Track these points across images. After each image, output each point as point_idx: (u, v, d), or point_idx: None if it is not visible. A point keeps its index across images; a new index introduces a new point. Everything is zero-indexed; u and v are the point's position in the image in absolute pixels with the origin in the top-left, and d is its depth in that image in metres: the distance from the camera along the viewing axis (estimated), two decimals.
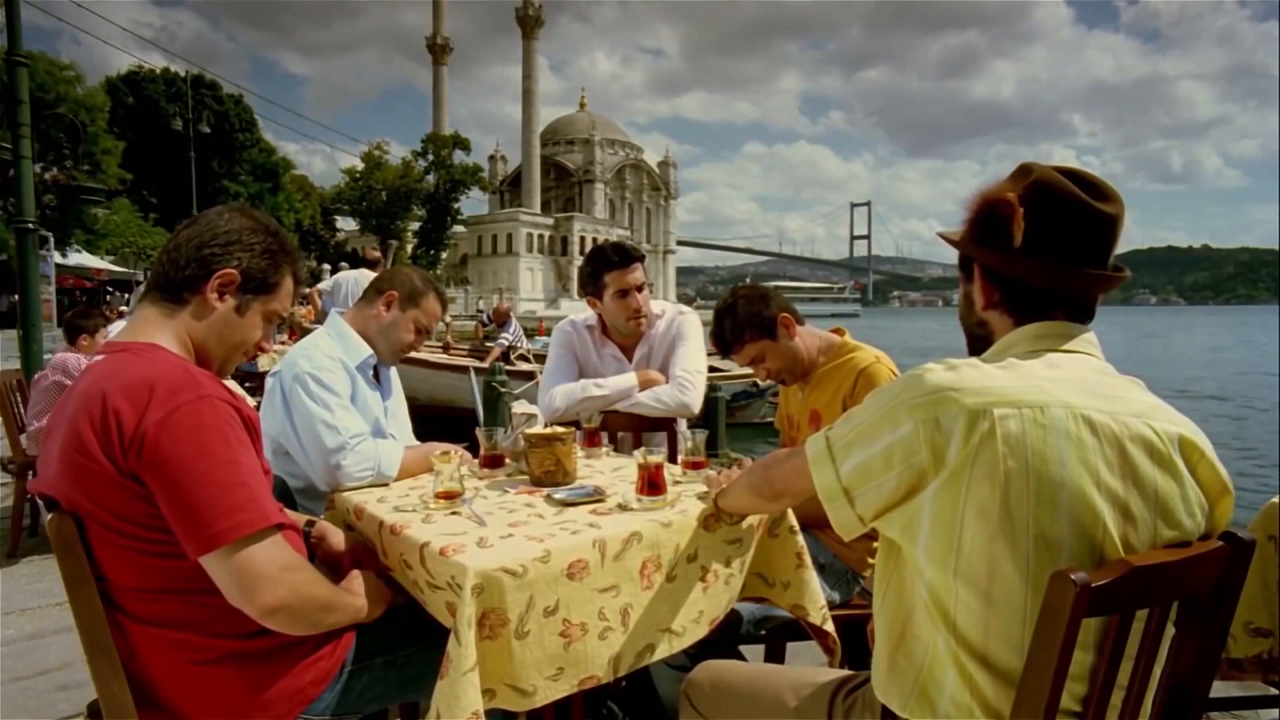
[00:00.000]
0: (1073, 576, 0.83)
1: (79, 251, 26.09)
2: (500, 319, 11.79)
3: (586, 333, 2.74)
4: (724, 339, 2.15)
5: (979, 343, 1.15)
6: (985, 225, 1.05)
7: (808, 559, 1.71)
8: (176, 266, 1.31)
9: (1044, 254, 1.02)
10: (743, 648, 1.99)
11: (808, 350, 2.14)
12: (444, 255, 60.58)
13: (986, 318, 1.12)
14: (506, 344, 10.97)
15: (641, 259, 2.64)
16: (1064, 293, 1.05)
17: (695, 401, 2.57)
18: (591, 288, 2.65)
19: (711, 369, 11.23)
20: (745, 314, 2.10)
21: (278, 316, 1.42)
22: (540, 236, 75.39)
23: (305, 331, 7.69)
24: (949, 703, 0.98)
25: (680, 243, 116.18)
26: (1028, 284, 1.05)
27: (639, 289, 2.60)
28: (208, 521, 1.13)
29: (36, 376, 4.15)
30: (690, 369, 2.61)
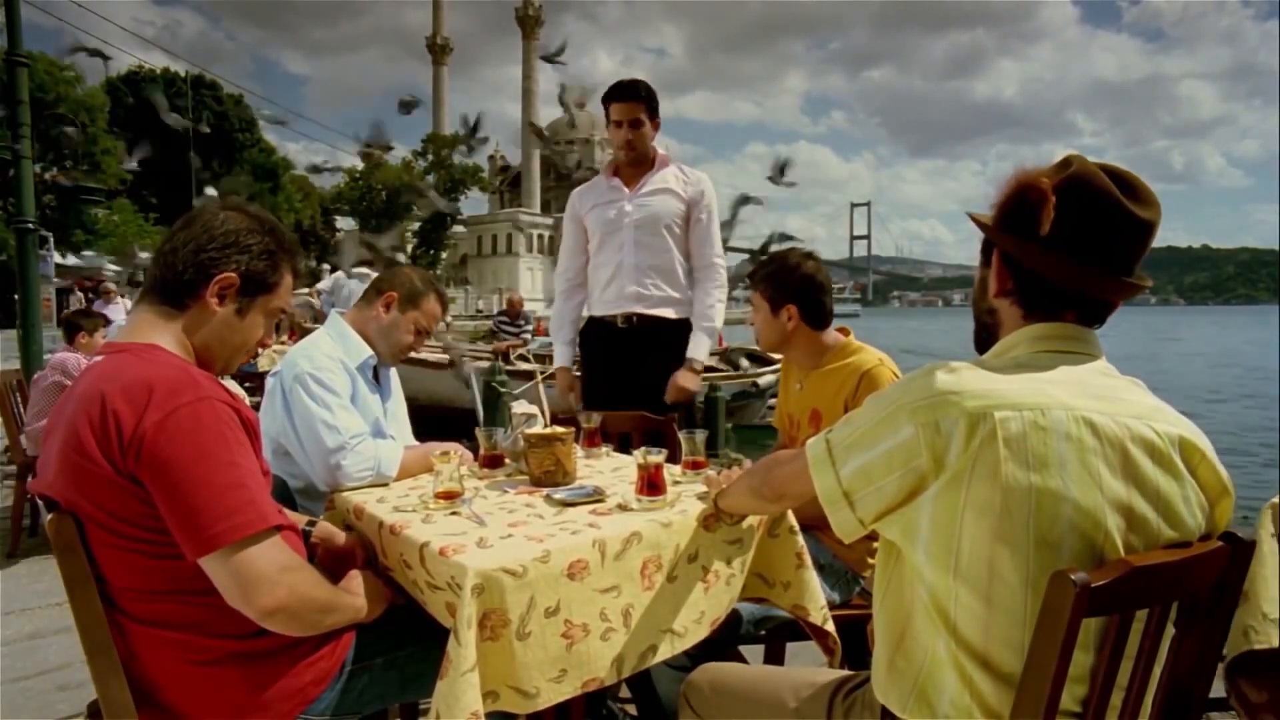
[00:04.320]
0: (1072, 577, 0.83)
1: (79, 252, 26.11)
2: (513, 312, 11.84)
3: (595, 180, 3.10)
4: (756, 272, 2.21)
5: (985, 331, 1.13)
6: (1013, 209, 1.01)
7: (808, 559, 1.71)
8: (174, 271, 1.29)
9: (1067, 250, 0.99)
10: (742, 648, 1.99)
11: (804, 345, 2.14)
12: (444, 255, 60.60)
13: (996, 306, 1.10)
14: (529, 334, 11.16)
15: (642, 99, 2.87)
16: (1080, 294, 1.03)
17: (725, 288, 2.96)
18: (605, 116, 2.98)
19: (711, 369, 11.25)
20: (776, 274, 2.13)
21: (279, 313, 1.42)
22: (540, 236, 75.35)
23: (305, 331, 7.69)
24: (949, 704, 0.98)
25: None
26: (1044, 278, 1.02)
27: (631, 123, 2.88)
28: (206, 523, 1.13)
29: (36, 376, 4.15)
30: (723, 260, 2.99)
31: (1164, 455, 0.95)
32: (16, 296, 6.67)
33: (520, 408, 2.05)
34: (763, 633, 1.96)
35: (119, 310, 10.60)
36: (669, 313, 2.96)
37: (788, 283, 2.10)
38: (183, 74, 39.95)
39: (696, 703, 1.39)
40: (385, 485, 1.83)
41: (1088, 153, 1.06)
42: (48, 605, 3.10)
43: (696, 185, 2.98)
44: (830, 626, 1.72)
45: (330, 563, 1.54)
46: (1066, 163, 1.03)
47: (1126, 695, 0.96)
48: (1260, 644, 1.45)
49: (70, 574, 1.18)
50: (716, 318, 2.95)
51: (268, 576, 1.16)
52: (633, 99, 2.87)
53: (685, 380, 2.89)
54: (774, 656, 2.01)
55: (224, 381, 1.35)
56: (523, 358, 10.52)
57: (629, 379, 2.92)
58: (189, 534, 1.14)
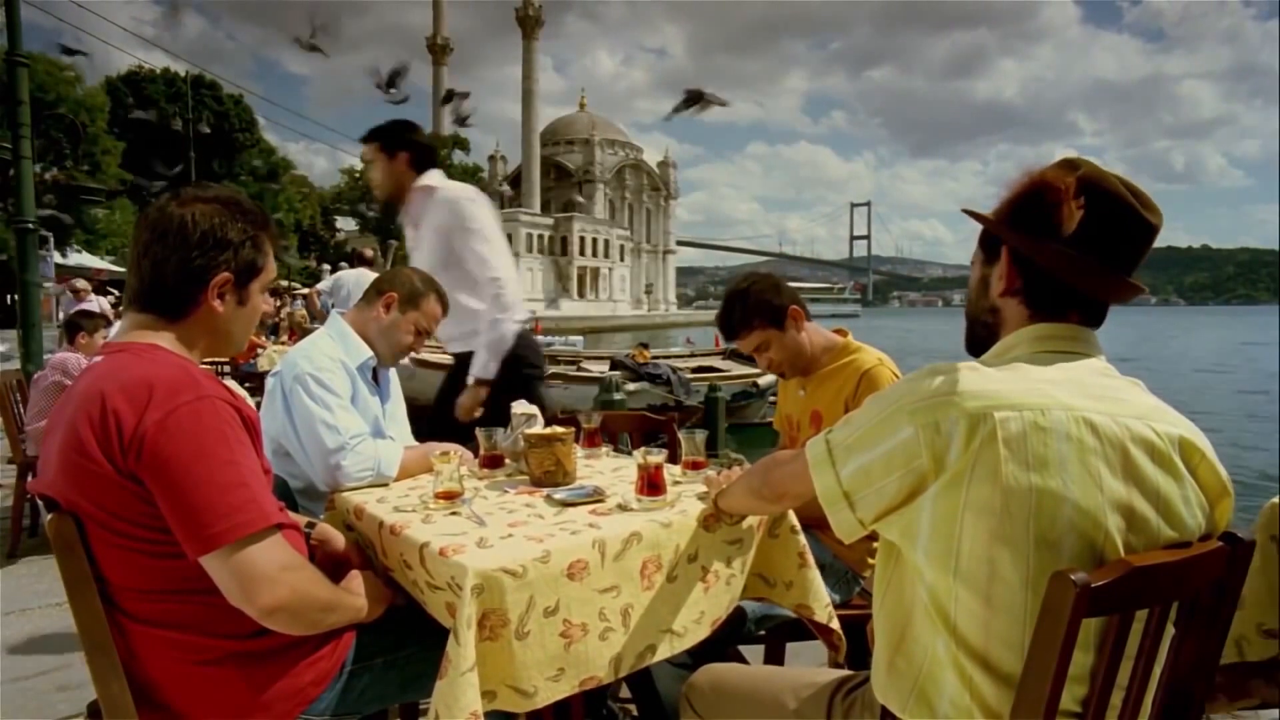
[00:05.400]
0: (1072, 577, 0.83)
1: (79, 252, 26.09)
2: None
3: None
4: (731, 323, 2.15)
5: (984, 330, 1.12)
6: (1027, 208, 1.01)
7: (810, 558, 1.71)
8: (164, 287, 1.27)
9: (1082, 250, 0.99)
10: (743, 648, 1.99)
11: (812, 346, 2.14)
12: None
13: (1001, 305, 1.09)
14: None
15: (373, 139, 2.86)
16: (1087, 294, 1.03)
17: (518, 308, 2.82)
18: None
19: (711, 369, 11.25)
20: (756, 300, 2.10)
21: (273, 279, 1.42)
22: (540, 236, 75.40)
23: (305, 332, 7.68)
24: (949, 704, 0.98)
25: (680, 243, 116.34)
26: (1055, 277, 1.02)
27: (367, 166, 2.95)
28: (208, 522, 1.13)
29: (36, 376, 4.15)
30: (503, 275, 2.80)
31: (1164, 455, 0.95)
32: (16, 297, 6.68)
33: (520, 408, 2.05)
34: (762, 632, 1.97)
35: (93, 309, 10.65)
36: (461, 347, 2.87)
37: (770, 299, 2.09)
38: (183, 74, 39.91)
39: (697, 703, 1.39)
40: (385, 485, 1.83)
41: (1088, 153, 1.07)
42: (48, 605, 3.10)
43: (441, 209, 2.83)
44: (835, 624, 1.72)
45: (328, 565, 1.54)
46: (1073, 164, 1.02)
47: (1126, 695, 0.96)
48: (1252, 656, 1.45)
49: (70, 574, 1.18)
50: (492, 331, 2.75)
51: (269, 575, 1.16)
52: (365, 141, 2.88)
53: (461, 398, 2.77)
54: (774, 656, 2.01)
55: (225, 381, 1.35)
56: None
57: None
58: (190, 533, 1.14)
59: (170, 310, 1.29)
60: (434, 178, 2.89)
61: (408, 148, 2.86)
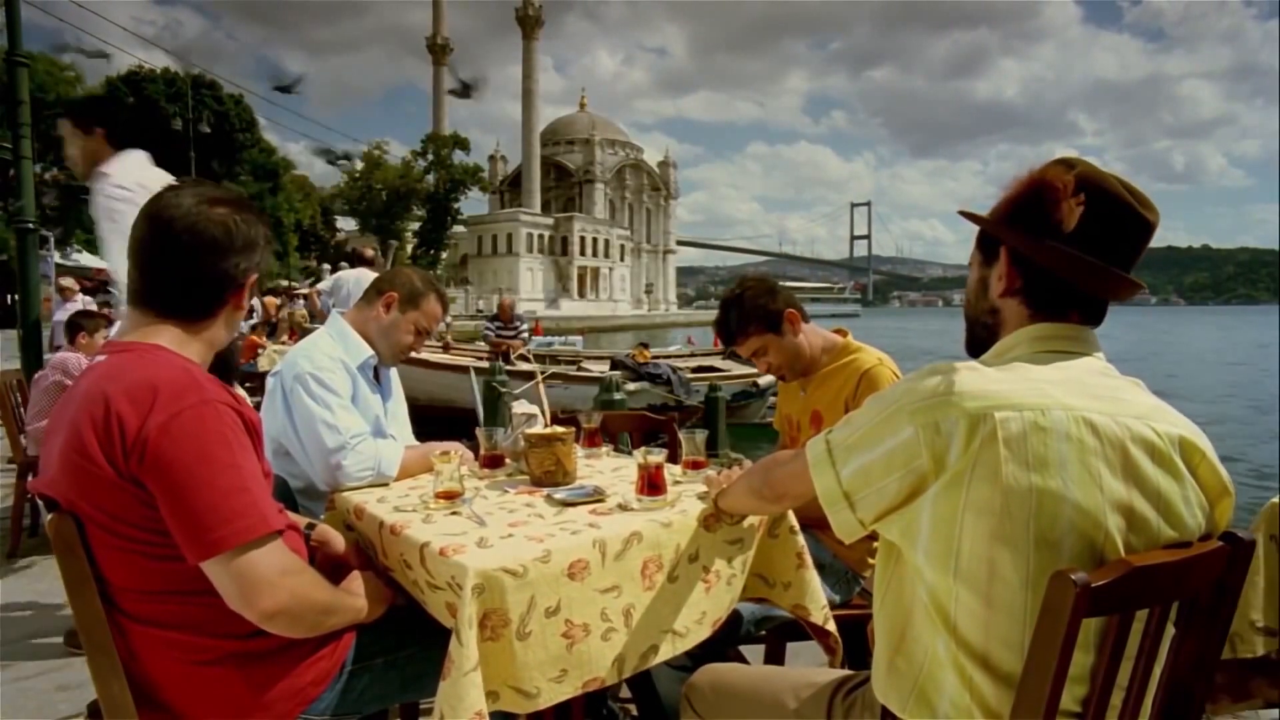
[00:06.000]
0: (1073, 576, 0.83)
1: (79, 252, 26.09)
2: (506, 315, 11.82)
3: None
4: (728, 329, 2.14)
5: (984, 331, 1.12)
6: (1026, 206, 1.01)
7: (808, 559, 1.71)
8: (198, 290, 1.28)
9: (1083, 247, 0.99)
10: (743, 648, 1.99)
11: (811, 348, 2.14)
12: (444, 255, 60.62)
13: (1001, 305, 1.08)
14: (527, 333, 11.35)
15: (66, 116, 2.83)
16: (1088, 292, 1.03)
17: None
18: None
19: (711, 369, 11.26)
20: (751, 306, 2.10)
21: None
22: (540, 236, 75.38)
23: (305, 331, 7.69)
24: (949, 704, 0.98)
25: (680, 243, 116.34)
26: (1058, 276, 1.02)
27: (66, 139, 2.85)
28: (209, 527, 1.13)
29: (36, 376, 4.14)
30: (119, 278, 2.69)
31: (1164, 455, 0.95)
32: (16, 296, 6.69)
33: (520, 408, 2.05)
34: (763, 633, 1.96)
35: (78, 308, 10.67)
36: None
37: (764, 304, 2.09)
38: (183, 74, 39.86)
39: (698, 703, 1.39)
40: (385, 485, 1.83)
41: (1088, 153, 1.07)
42: (48, 605, 3.10)
43: (99, 200, 2.66)
44: (831, 626, 1.72)
45: (328, 566, 1.54)
46: (1069, 163, 1.03)
47: (1126, 695, 0.96)
48: (1245, 653, 1.45)
49: (70, 574, 1.18)
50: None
51: (269, 580, 1.16)
52: (60, 118, 2.83)
53: None
54: (774, 656, 2.01)
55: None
56: (523, 358, 10.53)
57: None
58: (191, 538, 1.14)
59: (194, 312, 1.30)
60: (117, 162, 2.76)
61: (103, 123, 2.77)
